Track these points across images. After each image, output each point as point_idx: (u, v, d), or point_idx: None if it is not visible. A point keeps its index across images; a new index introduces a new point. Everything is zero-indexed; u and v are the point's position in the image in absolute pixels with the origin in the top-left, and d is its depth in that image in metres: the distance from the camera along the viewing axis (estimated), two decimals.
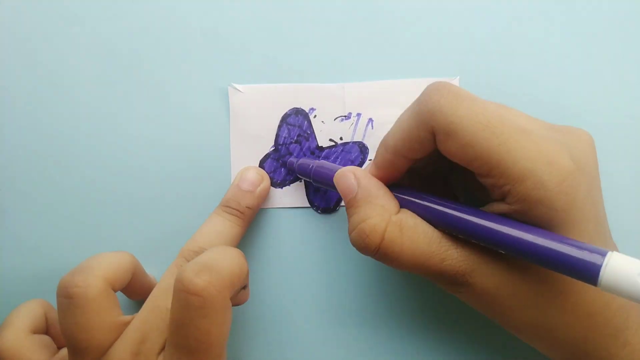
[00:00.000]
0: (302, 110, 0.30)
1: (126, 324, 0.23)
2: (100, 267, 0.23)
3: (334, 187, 0.25)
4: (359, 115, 0.30)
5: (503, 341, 0.29)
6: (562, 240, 0.18)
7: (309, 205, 0.30)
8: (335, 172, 0.25)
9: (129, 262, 0.25)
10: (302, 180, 0.30)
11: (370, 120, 0.30)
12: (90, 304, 0.22)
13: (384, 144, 0.23)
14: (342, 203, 0.30)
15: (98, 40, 0.31)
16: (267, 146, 0.30)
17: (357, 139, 0.30)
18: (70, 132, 0.31)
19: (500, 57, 0.29)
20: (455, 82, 0.29)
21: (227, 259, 0.22)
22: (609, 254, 0.17)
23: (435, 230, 0.22)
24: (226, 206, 0.28)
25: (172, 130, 0.30)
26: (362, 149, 0.30)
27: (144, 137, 0.30)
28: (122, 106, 0.31)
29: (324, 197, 0.30)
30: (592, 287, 0.20)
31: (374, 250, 0.22)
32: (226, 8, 0.30)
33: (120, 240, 0.31)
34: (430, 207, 0.23)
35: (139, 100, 0.30)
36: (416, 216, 0.23)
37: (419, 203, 0.23)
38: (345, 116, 0.30)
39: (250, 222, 0.29)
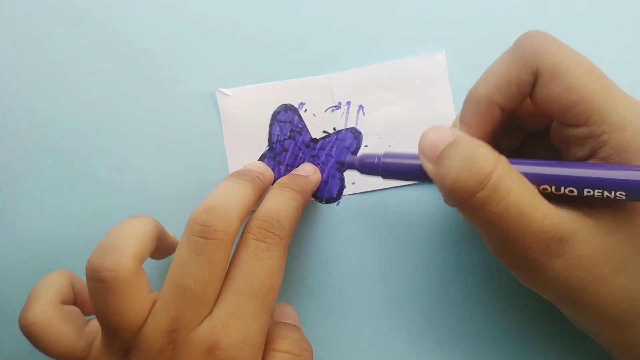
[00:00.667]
0: (291, 105, 0.30)
1: (155, 301, 0.23)
2: (129, 244, 0.23)
3: (408, 175, 0.23)
4: (348, 103, 0.30)
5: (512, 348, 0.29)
6: None
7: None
8: (407, 157, 0.23)
9: (154, 229, 0.24)
10: None
11: (361, 107, 0.30)
12: (122, 287, 0.22)
13: (474, 96, 0.22)
14: (345, 193, 0.30)
15: (99, 42, 0.30)
16: (262, 146, 0.30)
17: (349, 126, 0.30)
18: (69, 133, 0.31)
19: (488, 31, 0.29)
20: (442, 56, 0.29)
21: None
22: None
23: (537, 192, 0.20)
24: (236, 174, 0.26)
25: (169, 138, 0.31)
26: (356, 134, 0.30)
27: (140, 141, 0.31)
28: (122, 108, 0.31)
29: (325, 188, 0.30)
30: None
31: (485, 178, 0.19)
32: (209, 10, 0.30)
33: None
34: (538, 163, 0.21)
35: (135, 103, 0.31)
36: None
37: (523, 161, 0.21)
38: (335, 106, 0.30)
39: (260, 194, 0.27)
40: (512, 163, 0.21)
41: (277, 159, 0.30)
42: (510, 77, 0.21)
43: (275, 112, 0.30)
